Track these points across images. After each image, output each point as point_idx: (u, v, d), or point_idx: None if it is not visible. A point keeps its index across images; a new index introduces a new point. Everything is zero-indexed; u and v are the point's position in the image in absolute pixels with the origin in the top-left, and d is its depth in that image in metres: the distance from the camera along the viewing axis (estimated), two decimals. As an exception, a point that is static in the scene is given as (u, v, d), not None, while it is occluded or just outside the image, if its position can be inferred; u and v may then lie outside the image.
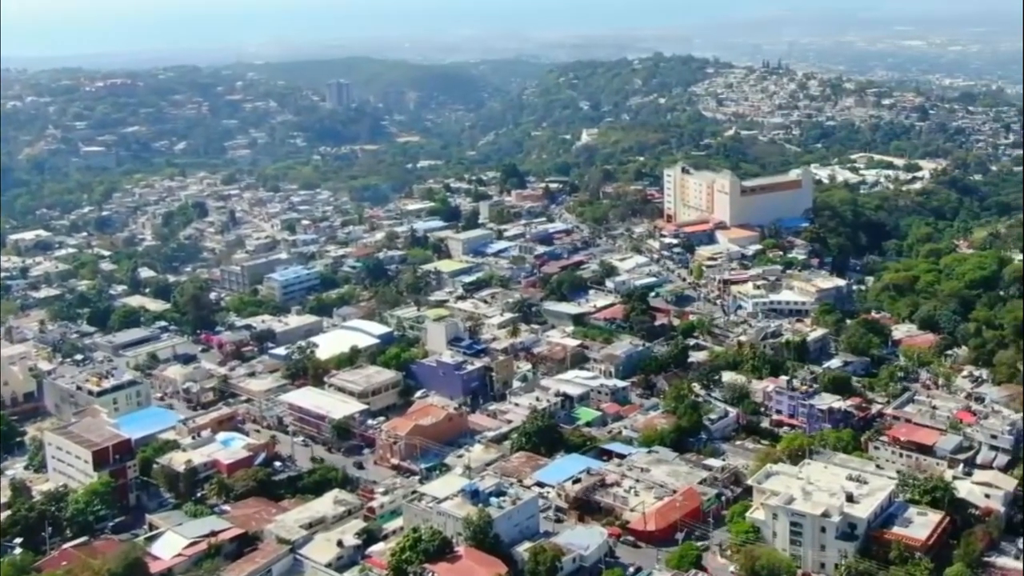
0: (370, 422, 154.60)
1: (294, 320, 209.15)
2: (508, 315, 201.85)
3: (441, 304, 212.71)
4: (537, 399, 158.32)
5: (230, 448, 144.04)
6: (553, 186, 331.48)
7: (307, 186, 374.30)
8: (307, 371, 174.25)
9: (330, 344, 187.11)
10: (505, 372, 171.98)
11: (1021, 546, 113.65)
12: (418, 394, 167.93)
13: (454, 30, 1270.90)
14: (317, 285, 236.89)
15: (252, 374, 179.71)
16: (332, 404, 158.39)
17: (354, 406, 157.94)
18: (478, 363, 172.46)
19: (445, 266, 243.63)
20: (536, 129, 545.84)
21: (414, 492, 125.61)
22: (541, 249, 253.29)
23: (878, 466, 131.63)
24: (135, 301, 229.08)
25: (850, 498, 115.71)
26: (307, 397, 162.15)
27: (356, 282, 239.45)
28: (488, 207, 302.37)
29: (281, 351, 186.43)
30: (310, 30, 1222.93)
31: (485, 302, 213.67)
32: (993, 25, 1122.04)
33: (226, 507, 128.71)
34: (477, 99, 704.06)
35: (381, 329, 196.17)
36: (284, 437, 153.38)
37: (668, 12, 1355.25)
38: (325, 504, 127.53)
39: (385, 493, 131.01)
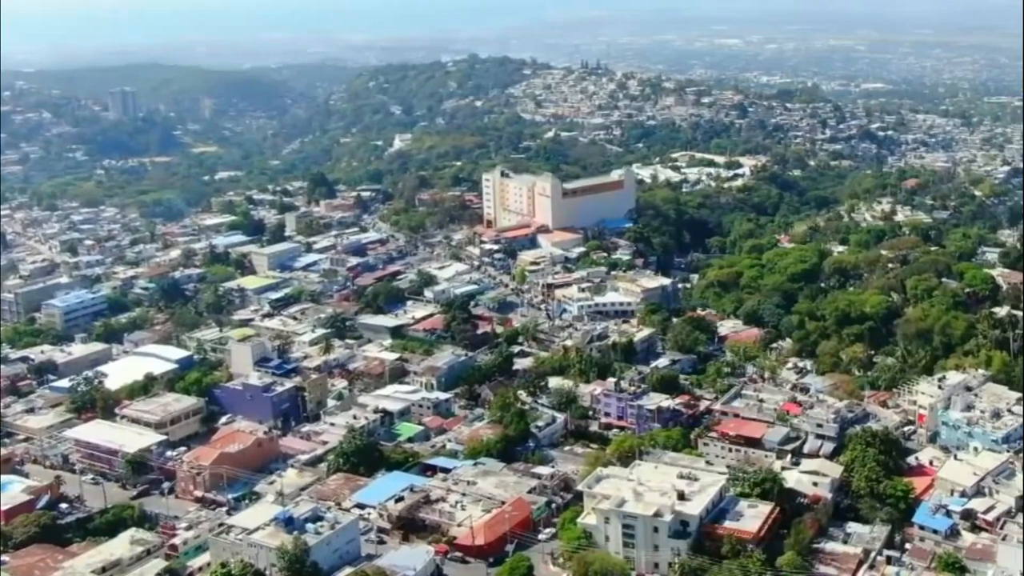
0: (170, 453, 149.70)
1: (78, 349, 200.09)
2: (320, 331, 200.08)
3: (246, 323, 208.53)
4: (354, 417, 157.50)
5: (7, 492, 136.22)
6: (365, 195, 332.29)
7: (90, 203, 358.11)
8: (95, 403, 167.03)
9: (121, 373, 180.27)
10: (319, 391, 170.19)
11: (848, 530, 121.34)
12: (223, 420, 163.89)
13: (253, 33, 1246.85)
14: (104, 310, 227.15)
15: (31, 410, 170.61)
16: (126, 437, 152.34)
17: (151, 437, 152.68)
18: (288, 383, 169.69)
19: (249, 283, 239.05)
20: (345, 136, 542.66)
21: (221, 524, 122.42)
22: (354, 261, 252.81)
23: (708, 462, 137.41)
24: None
25: (681, 496, 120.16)
26: (96, 431, 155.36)
27: (149, 304, 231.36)
28: (295, 219, 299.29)
29: (64, 383, 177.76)
30: (88, 35, 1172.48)
31: (295, 319, 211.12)
32: (808, 23, 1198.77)
33: (5, 558, 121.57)
34: (280, 105, 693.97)
35: (179, 353, 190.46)
36: (72, 476, 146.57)
37: (482, 13, 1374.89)
38: (120, 545, 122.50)
39: (188, 528, 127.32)
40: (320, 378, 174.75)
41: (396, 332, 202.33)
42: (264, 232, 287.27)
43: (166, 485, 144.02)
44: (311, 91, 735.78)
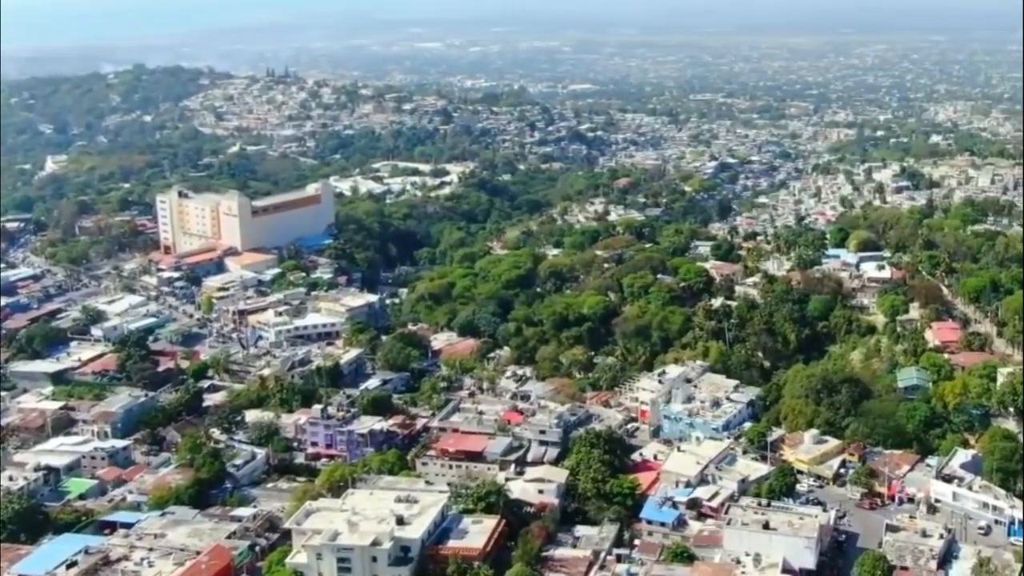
0: None
1: None
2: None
3: None
4: (10, 479, 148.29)
5: None
6: (11, 226, 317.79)
7: None
8: None
9: None
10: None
11: (577, 534, 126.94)
12: None
13: None
14: None
15: None
16: None
17: None
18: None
19: None
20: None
21: None
22: (3, 301, 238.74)
23: (428, 482, 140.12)
24: None
25: (401, 521, 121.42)
26: None
27: None
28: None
29: None
30: None
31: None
32: (513, 25, 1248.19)
33: None
34: None
35: None
36: None
37: (148, 19, 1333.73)
38: None
39: None
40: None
41: (58, 378, 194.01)
42: None
43: None
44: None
